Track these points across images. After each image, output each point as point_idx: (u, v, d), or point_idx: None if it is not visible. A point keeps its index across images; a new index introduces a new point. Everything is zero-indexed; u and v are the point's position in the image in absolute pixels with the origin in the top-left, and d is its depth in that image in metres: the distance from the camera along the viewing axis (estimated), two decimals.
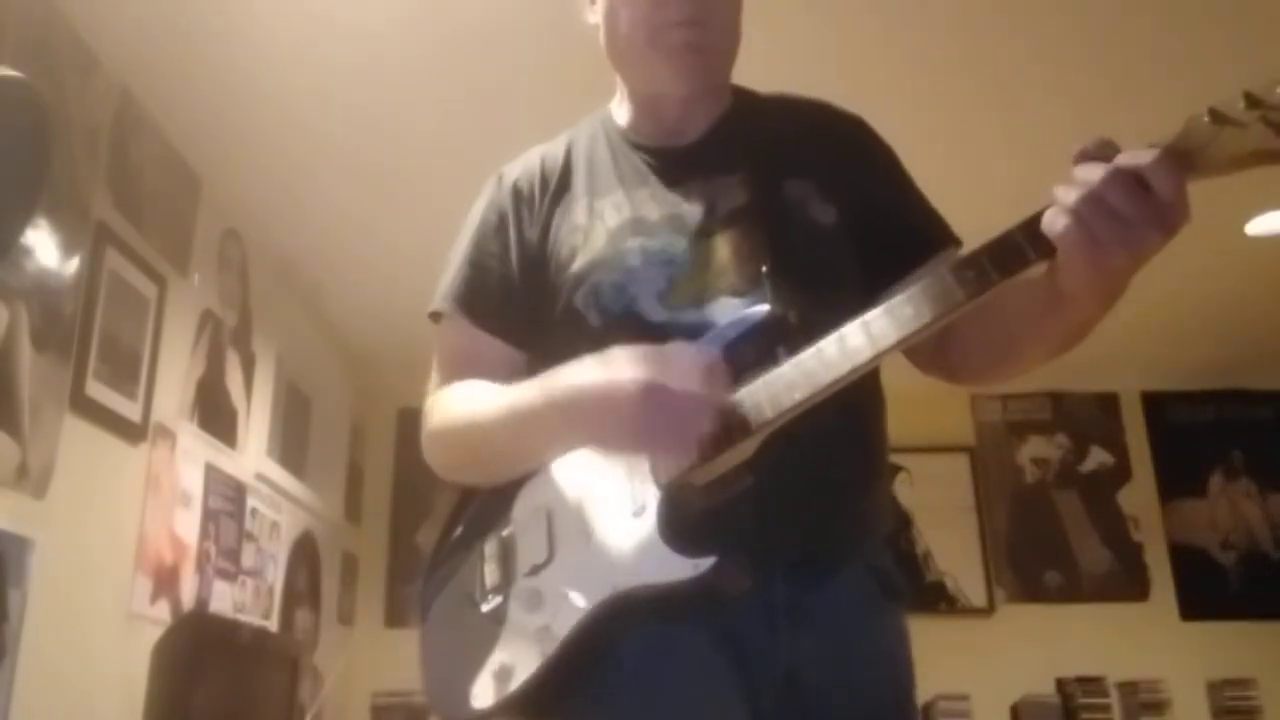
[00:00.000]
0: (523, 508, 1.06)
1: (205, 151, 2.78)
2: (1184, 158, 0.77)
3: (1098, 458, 4.63)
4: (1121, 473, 4.60)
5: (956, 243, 1.14)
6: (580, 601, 0.95)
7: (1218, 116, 0.75)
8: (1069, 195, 0.79)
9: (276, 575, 3.37)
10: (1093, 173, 0.78)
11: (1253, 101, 0.74)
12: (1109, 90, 2.56)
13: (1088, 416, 4.68)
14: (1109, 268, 0.80)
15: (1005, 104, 2.66)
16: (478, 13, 2.31)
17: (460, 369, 1.15)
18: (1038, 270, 0.83)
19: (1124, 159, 0.78)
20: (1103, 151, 0.80)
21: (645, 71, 1.16)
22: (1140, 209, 0.76)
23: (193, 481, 2.76)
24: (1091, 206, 0.78)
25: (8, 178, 2.00)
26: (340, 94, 2.57)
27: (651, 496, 0.95)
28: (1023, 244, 0.82)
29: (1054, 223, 0.80)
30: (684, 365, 0.90)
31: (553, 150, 1.22)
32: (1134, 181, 0.77)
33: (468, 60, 2.45)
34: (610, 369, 0.91)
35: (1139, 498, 4.56)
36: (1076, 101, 2.59)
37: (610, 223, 1.11)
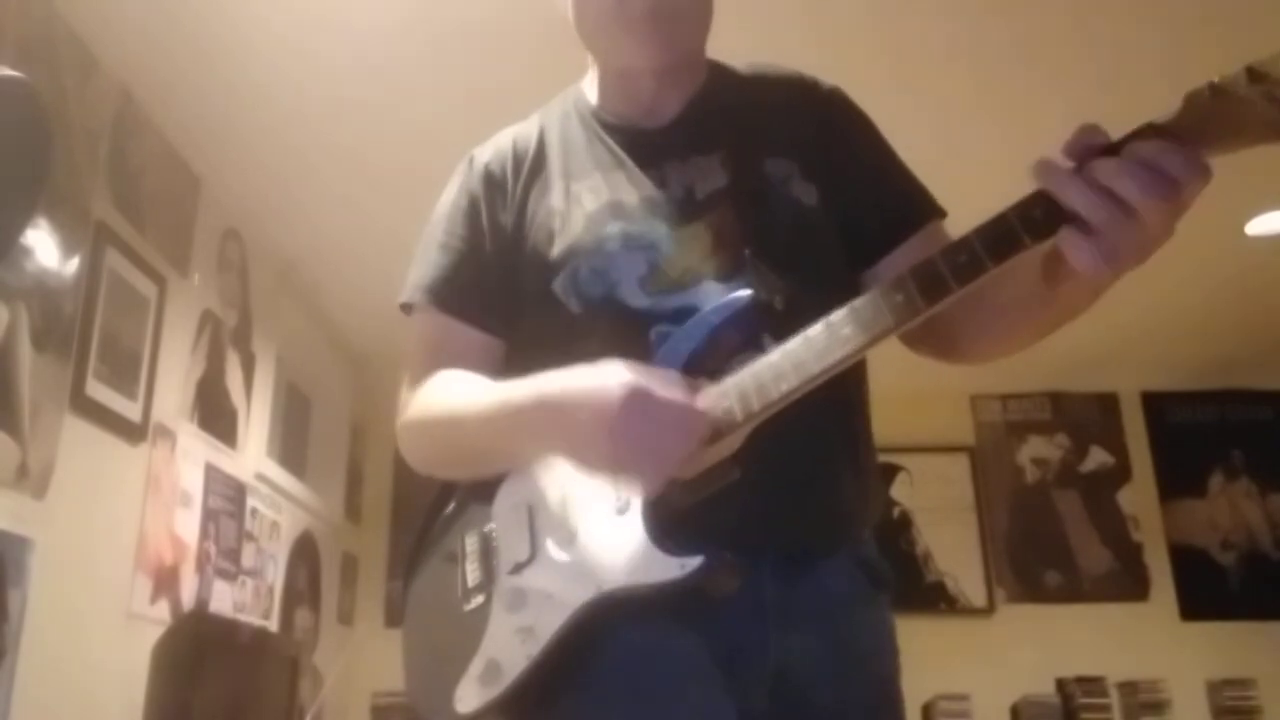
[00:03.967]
0: (504, 503, 1.03)
1: (205, 151, 2.78)
2: (1185, 136, 0.74)
3: (1098, 458, 4.63)
4: (1121, 473, 4.60)
5: (940, 214, 1.11)
6: (565, 602, 0.93)
7: (1219, 92, 0.72)
8: (1082, 201, 0.74)
9: (276, 575, 3.37)
10: (1110, 175, 0.73)
11: (1256, 76, 0.71)
12: (1096, 71, 2.54)
13: (1088, 416, 4.68)
14: (1117, 271, 0.77)
15: (993, 87, 2.65)
16: (478, 12, 2.31)
17: (437, 360, 1.11)
18: (1032, 255, 0.80)
19: (1144, 154, 0.73)
20: (1092, 140, 0.76)
21: (612, 45, 1.12)
22: (1165, 212, 0.73)
23: (193, 481, 2.75)
24: (1120, 221, 0.73)
25: (8, 178, 2.00)
26: (340, 94, 2.57)
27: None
28: (1017, 228, 0.79)
29: (1072, 245, 0.75)
30: (675, 396, 0.87)
31: (524, 131, 1.18)
32: (1164, 183, 0.72)
33: (468, 60, 2.45)
34: (602, 375, 0.88)
35: (1139, 498, 4.55)
36: (1064, 84, 2.57)
37: (588, 207, 1.08)
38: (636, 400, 0.85)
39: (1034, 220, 0.78)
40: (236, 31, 2.33)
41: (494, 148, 1.18)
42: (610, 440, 0.86)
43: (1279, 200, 3.20)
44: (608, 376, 0.88)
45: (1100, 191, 0.74)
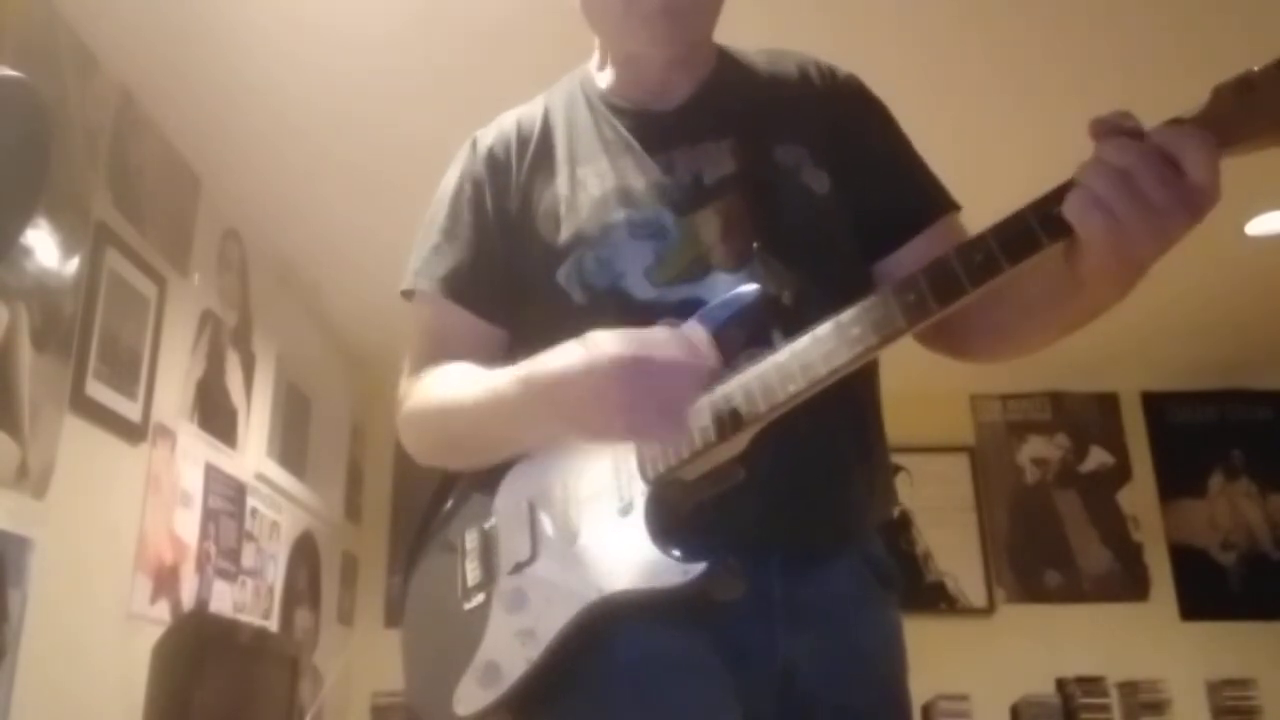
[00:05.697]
0: (505, 499, 1.01)
1: (205, 151, 2.78)
2: (1211, 131, 0.71)
3: (1098, 458, 4.63)
4: (1121, 473, 4.60)
5: (954, 208, 1.09)
6: (566, 605, 0.91)
7: (1248, 86, 0.70)
8: (1096, 180, 0.72)
9: (276, 575, 3.36)
10: (1123, 155, 0.71)
11: None
12: (1120, 63, 2.52)
13: (1088, 416, 4.68)
14: (1135, 257, 0.75)
15: (1015, 83, 2.62)
16: (476, 16, 2.31)
17: (437, 349, 1.09)
18: (1049, 254, 0.77)
19: (1159, 139, 0.71)
20: (1121, 125, 0.74)
21: (621, 35, 1.09)
22: (1172, 194, 0.71)
23: (193, 481, 2.75)
24: (1122, 194, 0.71)
25: (8, 178, 2.00)
26: (340, 94, 2.57)
27: (639, 493, 0.91)
28: (1035, 227, 0.76)
29: (1079, 210, 0.73)
30: (666, 339, 0.85)
31: (529, 113, 1.15)
32: (1168, 164, 0.70)
33: (466, 63, 2.45)
34: (590, 350, 0.85)
35: (1139, 498, 4.56)
36: (1088, 76, 2.54)
37: (594, 193, 1.05)
38: (636, 370, 0.82)
39: (1052, 218, 0.75)
40: (236, 32, 2.33)
41: (497, 129, 1.16)
42: (618, 416, 0.83)
43: (1279, 200, 3.20)
44: (597, 349, 0.85)
45: (1116, 174, 0.72)
